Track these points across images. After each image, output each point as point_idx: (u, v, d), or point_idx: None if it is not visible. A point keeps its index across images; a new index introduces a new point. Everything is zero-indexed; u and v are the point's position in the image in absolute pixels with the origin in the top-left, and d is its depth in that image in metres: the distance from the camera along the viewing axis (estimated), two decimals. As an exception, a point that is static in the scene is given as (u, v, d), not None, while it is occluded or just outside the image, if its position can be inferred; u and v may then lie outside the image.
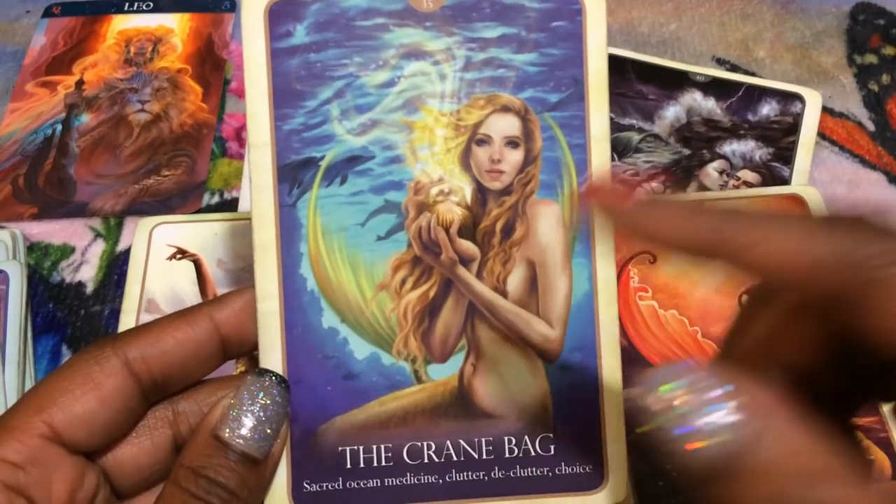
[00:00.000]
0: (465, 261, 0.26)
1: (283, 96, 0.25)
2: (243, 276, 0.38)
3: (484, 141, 0.26)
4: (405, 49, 0.26)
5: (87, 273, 0.40)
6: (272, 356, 0.25)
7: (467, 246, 0.26)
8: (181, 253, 0.39)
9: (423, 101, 0.26)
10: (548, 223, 0.26)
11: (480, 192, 0.26)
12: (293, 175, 0.25)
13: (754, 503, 0.15)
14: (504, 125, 0.26)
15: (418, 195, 0.26)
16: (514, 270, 0.26)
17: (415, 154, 0.26)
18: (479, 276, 0.26)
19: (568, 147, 0.26)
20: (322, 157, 0.26)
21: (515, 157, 0.26)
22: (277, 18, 0.25)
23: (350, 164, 0.26)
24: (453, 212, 0.26)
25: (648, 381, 0.16)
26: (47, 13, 0.50)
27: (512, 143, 0.26)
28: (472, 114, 0.26)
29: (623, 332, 0.36)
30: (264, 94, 0.25)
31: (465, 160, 0.26)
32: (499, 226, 0.26)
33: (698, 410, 0.15)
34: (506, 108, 0.26)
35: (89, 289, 0.39)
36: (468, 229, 0.26)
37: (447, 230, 0.26)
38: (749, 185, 0.42)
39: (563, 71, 0.26)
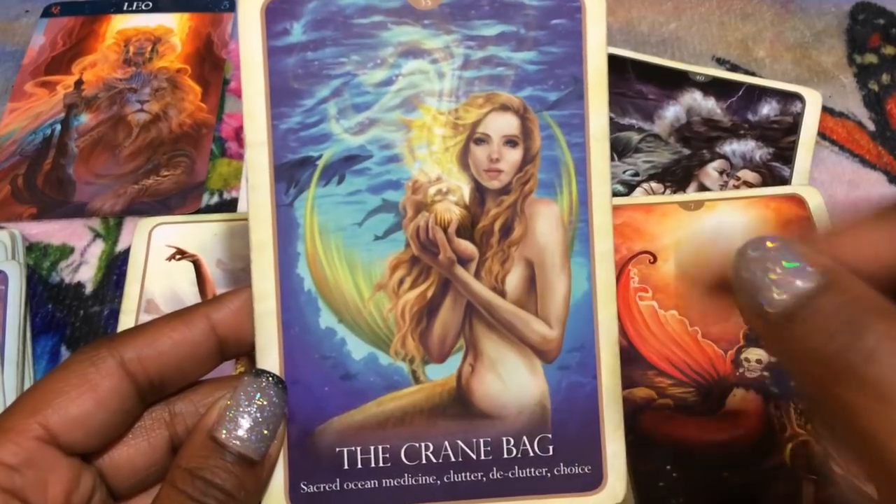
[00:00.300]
0: (464, 260, 0.26)
1: (280, 95, 0.25)
2: (243, 277, 0.38)
3: (482, 140, 0.26)
4: (403, 47, 0.25)
5: (87, 273, 0.40)
6: (269, 356, 0.25)
7: (465, 245, 0.26)
8: (180, 253, 0.39)
9: (422, 100, 0.26)
10: (547, 222, 0.26)
11: (479, 191, 0.26)
12: (290, 174, 0.25)
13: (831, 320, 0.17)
14: (503, 124, 0.26)
15: (416, 194, 0.26)
16: (512, 270, 0.26)
17: (413, 153, 0.26)
18: (477, 275, 0.26)
19: (567, 146, 0.26)
20: (319, 157, 0.25)
21: (514, 156, 0.26)
22: (274, 16, 0.25)
23: (347, 163, 0.25)
24: (451, 211, 0.26)
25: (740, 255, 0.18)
26: (46, 13, 0.50)
27: (510, 141, 0.26)
28: (470, 112, 0.26)
29: (623, 332, 0.36)
30: (261, 92, 0.25)
31: (464, 159, 0.26)
32: (497, 225, 0.26)
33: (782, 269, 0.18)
34: (504, 107, 0.26)
35: (88, 289, 0.39)
36: (466, 229, 0.26)
37: (445, 230, 0.26)
38: (749, 184, 0.42)
39: (563, 69, 0.26)
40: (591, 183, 0.26)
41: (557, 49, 0.26)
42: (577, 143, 0.26)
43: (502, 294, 0.26)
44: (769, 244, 0.18)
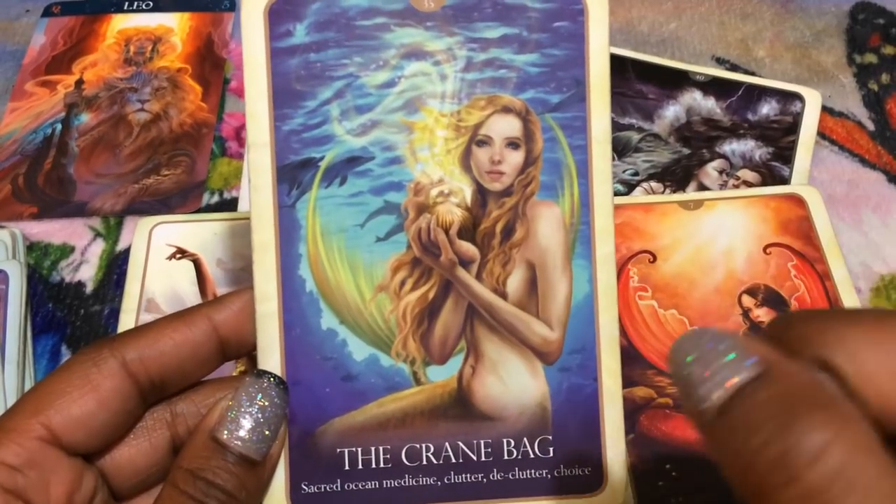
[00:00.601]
0: (465, 262, 0.26)
1: (283, 96, 0.25)
2: (243, 276, 0.38)
3: (484, 142, 0.26)
4: (406, 49, 0.25)
5: (87, 272, 0.40)
6: (271, 357, 0.25)
7: (467, 247, 0.26)
8: (181, 252, 0.39)
9: (424, 102, 0.26)
10: (548, 225, 0.26)
11: (480, 193, 0.26)
12: (292, 175, 0.25)
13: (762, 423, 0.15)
14: (505, 126, 0.26)
15: (418, 196, 0.26)
16: (513, 272, 0.26)
17: (415, 155, 0.26)
18: (478, 277, 0.26)
19: (569, 148, 0.26)
20: (321, 158, 0.25)
21: (516, 158, 0.26)
22: (277, 18, 0.25)
23: (350, 164, 0.25)
24: (453, 213, 0.26)
25: (676, 351, 0.17)
26: (47, 12, 0.50)
27: (512, 144, 0.26)
28: (472, 114, 0.26)
29: (623, 332, 0.36)
30: (264, 94, 0.25)
31: (466, 161, 0.26)
32: (499, 227, 0.26)
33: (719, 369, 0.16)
34: (507, 109, 0.26)
35: (89, 288, 0.39)
36: (468, 230, 0.26)
37: (447, 231, 0.26)
38: (749, 184, 0.42)
39: (565, 72, 0.26)
40: (592, 185, 0.26)
41: (560, 51, 0.26)
42: (578, 146, 0.26)
43: (503, 296, 0.26)
44: (705, 339, 0.16)
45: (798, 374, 0.15)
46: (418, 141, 0.26)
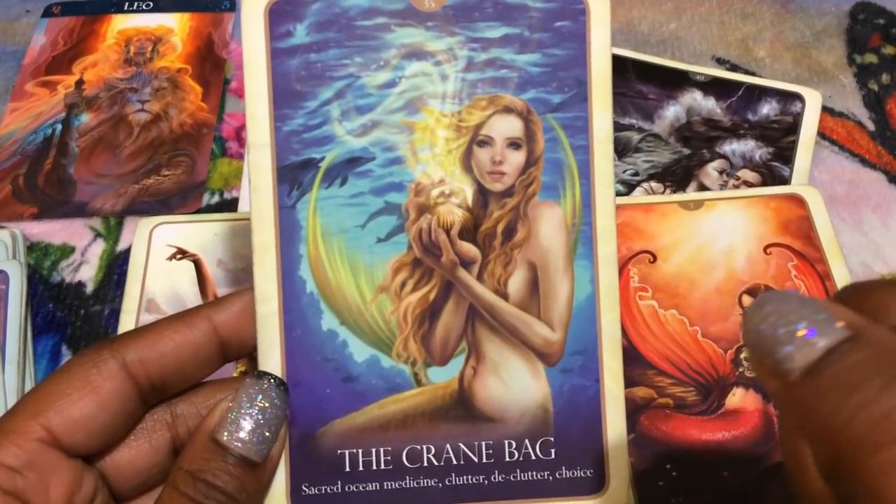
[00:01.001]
0: (466, 263, 0.26)
1: (283, 97, 0.25)
2: (243, 277, 0.38)
3: (485, 142, 0.26)
4: (406, 49, 0.25)
5: (87, 273, 0.40)
6: (271, 358, 0.25)
7: (468, 248, 0.26)
8: (181, 253, 0.39)
9: (425, 102, 0.26)
10: (550, 225, 0.26)
11: (482, 193, 0.26)
12: (293, 176, 0.25)
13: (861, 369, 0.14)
14: (506, 126, 0.26)
15: (419, 197, 0.26)
16: (515, 273, 0.26)
17: (416, 155, 0.26)
18: (479, 278, 0.26)
19: (570, 148, 0.26)
20: (322, 159, 0.25)
21: (517, 158, 0.26)
22: (277, 18, 0.25)
23: (350, 165, 0.25)
24: (454, 213, 0.26)
25: (756, 310, 0.16)
26: (47, 13, 0.50)
27: (514, 144, 0.26)
28: (473, 115, 0.26)
29: (623, 332, 0.35)
30: (264, 94, 0.25)
31: (467, 161, 0.26)
32: (500, 228, 0.26)
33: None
34: (508, 109, 0.26)
35: (89, 289, 0.39)
36: (469, 231, 0.26)
37: (448, 232, 0.26)
38: (749, 184, 0.42)
39: (567, 72, 0.26)
40: (594, 185, 0.26)
41: (561, 51, 0.25)
42: (580, 146, 0.26)
43: (505, 297, 0.26)
44: (790, 300, 0.16)
45: (890, 337, 0.15)
46: (419, 141, 0.26)
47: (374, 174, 0.25)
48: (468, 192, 0.26)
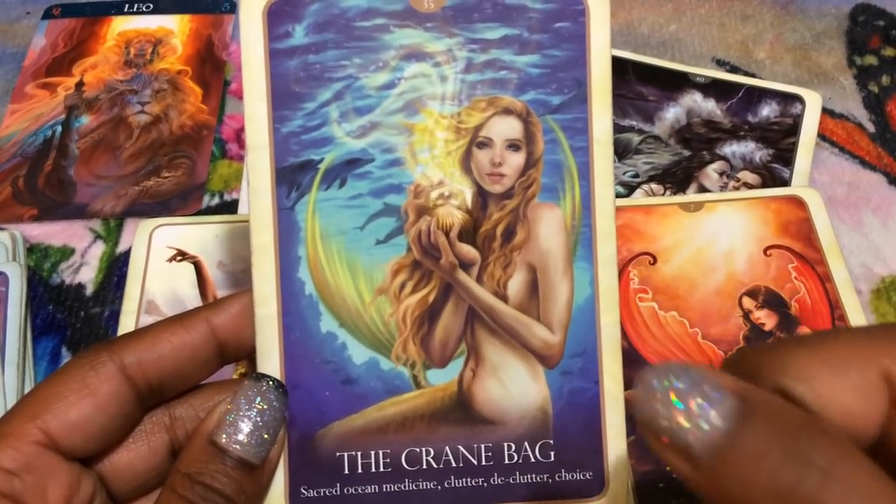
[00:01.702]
0: (466, 265, 0.26)
1: (282, 98, 0.25)
2: (243, 278, 0.38)
3: (485, 144, 0.26)
4: (405, 50, 0.25)
5: (87, 275, 0.40)
6: (270, 361, 0.25)
7: (467, 250, 0.26)
8: (181, 255, 0.39)
9: (424, 104, 0.26)
10: (549, 227, 0.26)
11: (481, 195, 0.26)
12: (291, 178, 0.25)
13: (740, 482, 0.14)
14: (505, 128, 0.26)
15: (418, 198, 0.26)
16: (514, 275, 0.26)
17: (415, 157, 0.26)
18: (479, 280, 0.26)
19: (570, 150, 0.26)
20: (321, 160, 0.25)
21: (517, 160, 0.26)
22: (276, 19, 0.25)
23: (349, 166, 0.25)
24: (453, 215, 0.26)
25: (647, 379, 0.16)
26: (47, 15, 0.50)
27: (513, 145, 0.26)
28: (473, 116, 0.26)
29: (623, 334, 0.36)
30: (263, 95, 0.25)
31: (466, 163, 0.26)
32: (499, 230, 0.26)
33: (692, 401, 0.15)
34: (507, 111, 0.26)
35: (89, 290, 0.39)
36: (468, 233, 0.26)
37: (447, 234, 0.26)
38: (749, 186, 0.42)
39: (566, 73, 0.26)
40: (594, 187, 0.26)
41: (561, 52, 0.25)
42: (580, 147, 0.26)
43: (504, 299, 0.26)
44: (672, 376, 0.15)
45: (782, 405, 0.15)
46: (418, 143, 0.26)
47: (374, 176, 0.25)
48: (467, 194, 0.26)
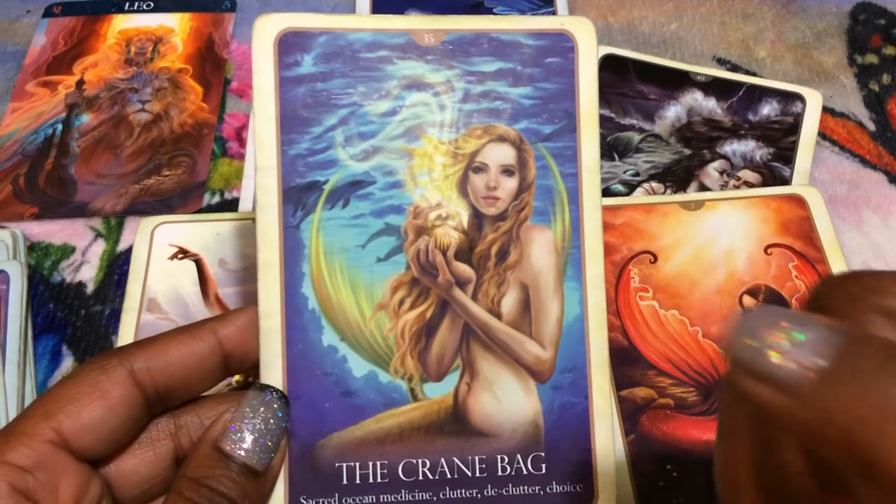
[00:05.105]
0: (462, 283, 0.26)
1: (290, 122, 0.26)
2: (245, 276, 0.38)
3: (481, 169, 0.27)
4: (407, 80, 0.26)
5: (88, 273, 0.40)
6: (273, 372, 0.25)
7: (463, 269, 0.26)
8: (182, 253, 0.39)
9: (424, 130, 0.26)
10: (541, 248, 0.27)
11: (476, 217, 0.27)
12: (298, 197, 0.26)
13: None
14: (500, 154, 0.27)
15: (417, 219, 0.26)
16: (508, 293, 0.26)
17: (414, 180, 0.26)
18: (474, 297, 0.26)
19: (560, 176, 0.27)
20: (326, 181, 0.26)
21: (510, 184, 0.27)
22: (286, 48, 0.26)
23: (352, 188, 0.26)
24: (450, 236, 0.26)
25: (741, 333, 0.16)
26: (48, 13, 0.50)
27: (507, 171, 0.27)
28: (469, 143, 0.27)
29: (623, 332, 0.35)
30: (272, 119, 0.26)
31: (463, 186, 0.27)
32: (494, 250, 0.26)
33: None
34: (502, 138, 0.27)
35: (90, 289, 0.39)
36: (464, 253, 0.26)
37: (444, 253, 0.26)
38: (749, 184, 0.41)
39: (556, 104, 0.27)
40: (583, 211, 0.27)
41: (551, 85, 0.26)
42: (569, 174, 0.27)
43: (498, 316, 0.26)
44: (770, 316, 0.16)
45: (870, 334, 0.15)
46: (418, 167, 0.26)
47: (375, 197, 0.26)
48: (464, 216, 0.26)
